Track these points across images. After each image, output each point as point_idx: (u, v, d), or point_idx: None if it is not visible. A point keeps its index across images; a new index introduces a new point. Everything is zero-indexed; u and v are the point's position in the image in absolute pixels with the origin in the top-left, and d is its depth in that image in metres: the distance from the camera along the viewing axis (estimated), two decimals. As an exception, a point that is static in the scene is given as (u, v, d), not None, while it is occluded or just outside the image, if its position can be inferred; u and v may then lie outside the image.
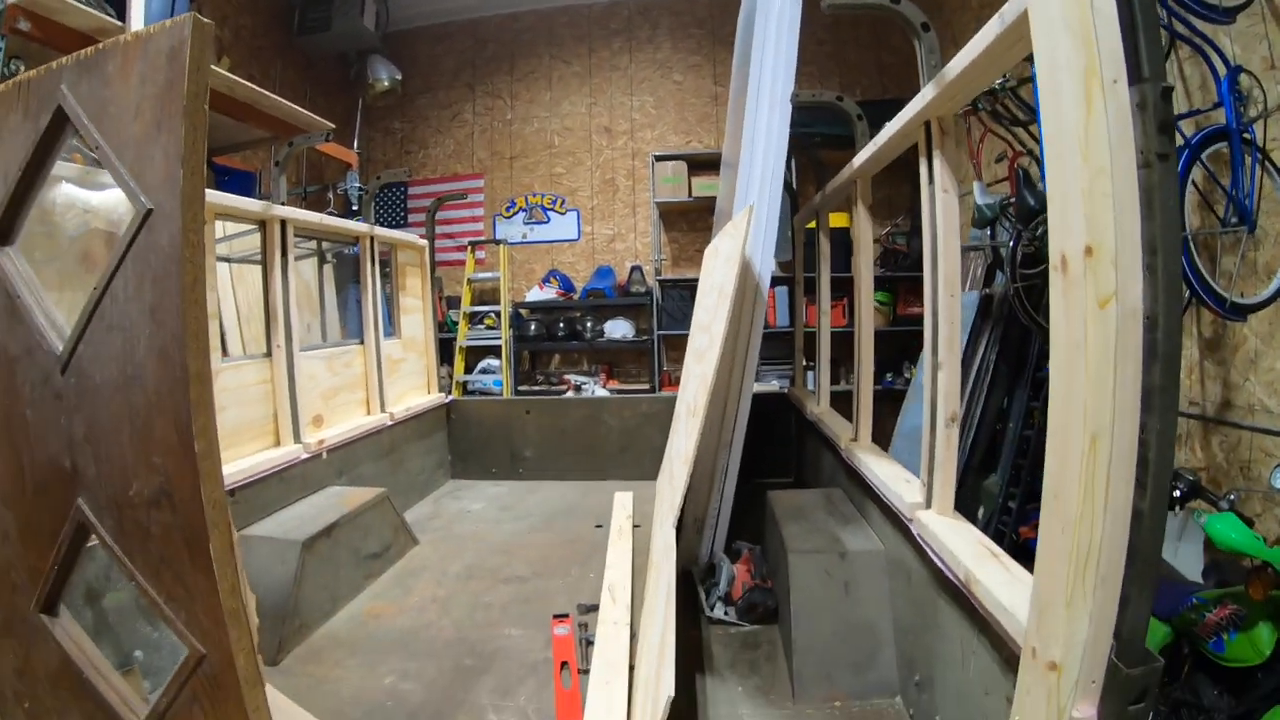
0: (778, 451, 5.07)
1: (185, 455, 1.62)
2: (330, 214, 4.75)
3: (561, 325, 7.75)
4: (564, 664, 2.80)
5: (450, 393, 7.68)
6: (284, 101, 5.19)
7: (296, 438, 3.74)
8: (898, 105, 2.55)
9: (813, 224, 4.42)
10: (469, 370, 7.90)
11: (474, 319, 7.97)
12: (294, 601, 3.03)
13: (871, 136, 3.02)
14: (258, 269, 4.54)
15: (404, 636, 3.12)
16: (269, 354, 3.66)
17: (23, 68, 3.51)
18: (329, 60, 7.85)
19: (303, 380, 3.85)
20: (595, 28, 8.00)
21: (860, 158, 3.13)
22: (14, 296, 1.87)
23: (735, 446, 3.71)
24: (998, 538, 3.48)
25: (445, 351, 7.98)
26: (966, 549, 1.97)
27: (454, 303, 8.13)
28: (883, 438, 4.74)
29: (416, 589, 3.58)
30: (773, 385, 6.45)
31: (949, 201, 2.32)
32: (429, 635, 3.12)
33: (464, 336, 7.83)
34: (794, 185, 5.99)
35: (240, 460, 3.38)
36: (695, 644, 3.03)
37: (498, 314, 7.76)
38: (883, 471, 2.85)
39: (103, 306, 1.71)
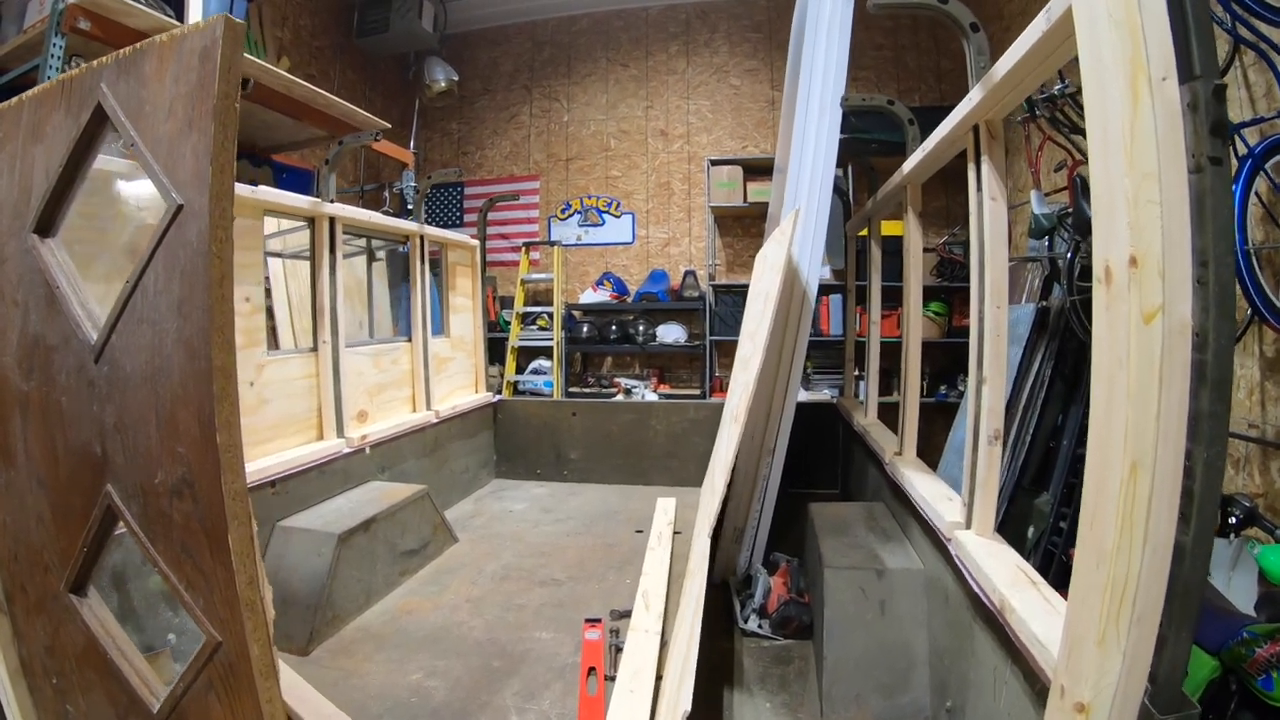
0: (825, 462, 4.98)
1: (208, 447, 1.63)
2: (386, 212, 4.81)
3: (614, 328, 7.73)
4: (591, 669, 2.76)
5: (500, 392, 7.77)
6: (340, 100, 5.28)
7: (340, 432, 3.78)
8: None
9: (865, 231, 4.33)
10: (520, 370, 7.93)
11: (527, 319, 8.01)
12: (328, 593, 3.06)
13: (908, 127, 2.94)
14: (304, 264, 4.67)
15: (435, 634, 3.12)
16: (315, 349, 3.71)
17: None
18: (388, 61, 7.97)
19: (348, 376, 3.89)
20: (652, 31, 7.98)
21: (910, 163, 3.04)
22: (54, 287, 1.91)
23: (778, 455, 3.64)
24: (1047, 559, 3.34)
25: (497, 351, 8.04)
26: (1003, 573, 1.88)
27: (507, 303, 8.17)
28: (934, 451, 4.63)
29: (451, 587, 3.59)
30: (824, 394, 6.33)
31: (997, 210, 2.24)
32: (459, 634, 3.12)
33: (516, 337, 7.87)
34: (848, 191, 5.89)
35: (283, 452, 3.42)
36: (726, 656, 2.97)
37: (550, 315, 7.78)
38: (925, 488, 2.76)
39: (134, 300, 1.73)
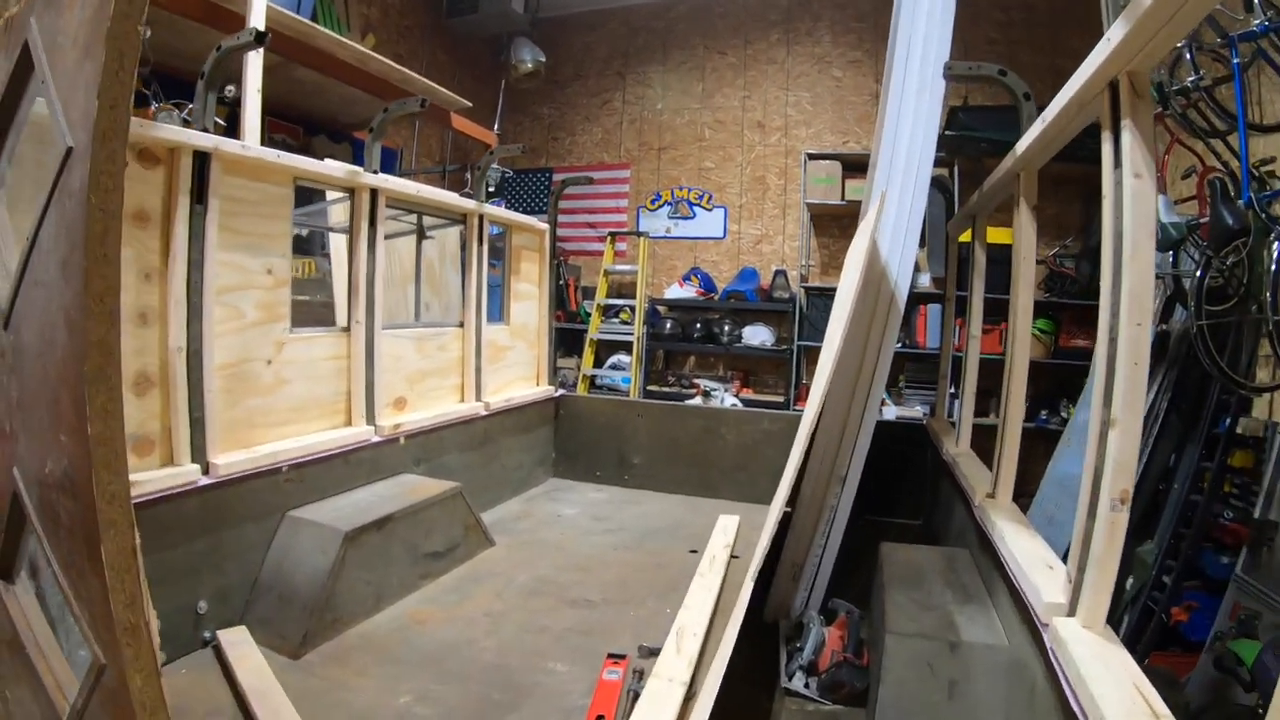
0: (908, 488, 4.47)
1: (82, 437, 1.37)
2: (465, 194, 4.61)
3: (698, 326, 7.37)
4: (599, 718, 2.41)
5: (576, 386, 7.53)
6: (416, 76, 5.11)
7: (370, 419, 3.54)
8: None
9: (967, 235, 3.82)
10: (599, 365, 7.66)
11: (608, 312, 7.73)
12: (329, 594, 2.80)
13: (1022, 103, 2.45)
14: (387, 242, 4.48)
15: (441, 650, 2.82)
16: (347, 328, 3.48)
17: (148, 33, 3.49)
18: (479, 43, 7.83)
19: (385, 360, 3.65)
20: (752, 19, 7.55)
21: (1024, 142, 2.52)
22: None
23: (849, 484, 3.19)
24: (1145, 615, 2.82)
25: (576, 343, 7.81)
26: (1115, 694, 1.40)
27: (589, 293, 7.92)
28: (1029, 481, 4.09)
29: (473, 597, 3.29)
30: (915, 410, 5.82)
31: (1142, 191, 1.71)
32: (467, 654, 2.81)
33: (596, 329, 7.60)
34: (954, 191, 5.35)
35: (302, 437, 3.19)
36: (762, 718, 2.57)
37: (633, 309, 7.48)
38: (1019, 547, 2.24)
39: (32, 258, 1.49)
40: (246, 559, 2.86)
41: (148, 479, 2.45)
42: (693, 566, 3.63)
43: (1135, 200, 1.72)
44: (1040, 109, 2.44)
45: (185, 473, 2.59)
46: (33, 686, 1.77)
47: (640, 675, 2.62)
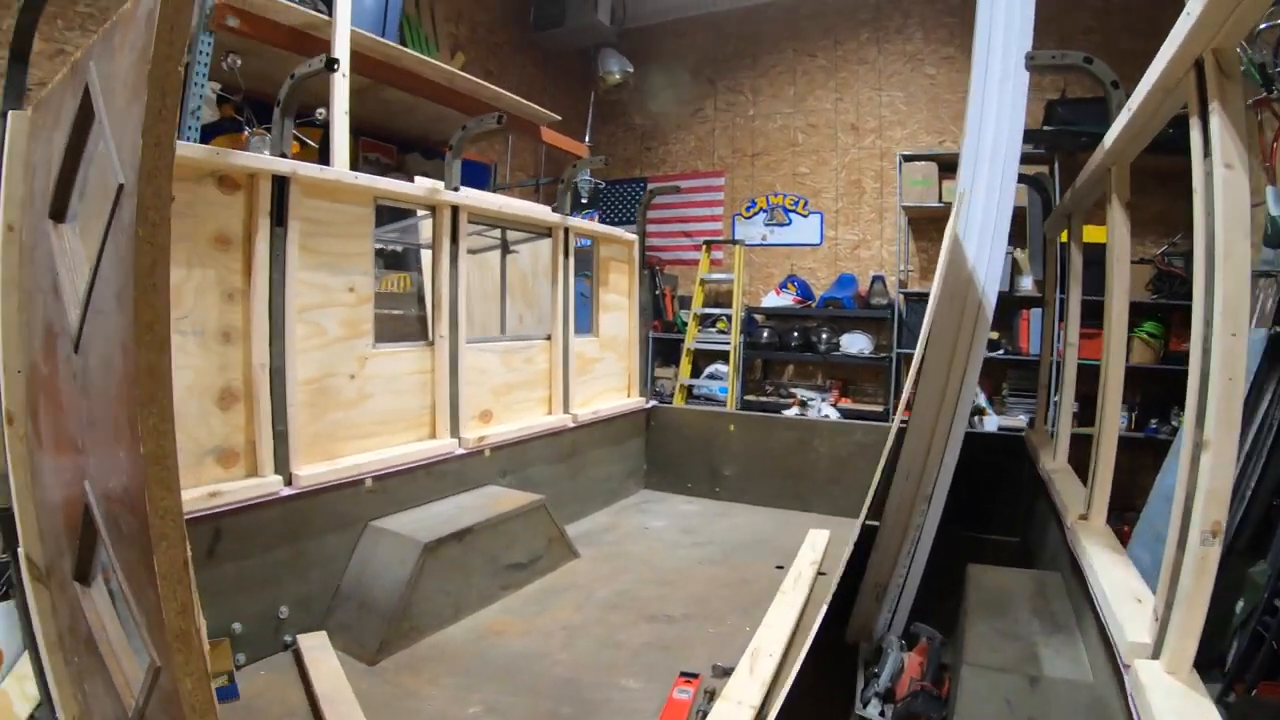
0: (1005, 502, 4.24)
1: (136, 455, 1.45)
2: (556, 207, 4.69)
3: (795, 334, 7.25)
4: (666, 738, 2.37)
5: (673, 396, 7.51)
6: (504, 92, 5.22)
7: (454, 432, 3.62)
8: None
9: (1066, 235, 3.60)
10: (696, 374, 7.63)
11: (705, 321, 7.69)
12: (405, 604, 2.86)
13: (1111, 91, 2.28)
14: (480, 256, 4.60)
15: (514, 662, 2.84)
16: (430, 343, 3.57)
17: (239, 62, 3.71)
18: (569, 56, 7.94)
19: (470, 374, 3.73)
20: (841, 19, 7.39)
21: (1112, 134, 2.34)
22: (56, 273, 1.83)
23: (935, 503, 3.06)
24: (1255, 642, 2.58)
25: (674, 353, 7.80)
26: None
27: (686, 303, 7.89)
28: (1140, 493, 3.82)
29: (552, 609, 3.31)
30: (1020, 419, 5.55)
31: (1235, 183, 1.55)
32: (540, 667, 2.81)
33: (693, 339, 7.57)
34: (1053, 190, 5.08)
35: (385, 449, 3.28)
36: (836, 745, 2.48)
37: (730, 317, 7.42)
38: (1109, 577, 2.06)
39: (95, 287, 1.58)
40: (329, 567, 2.95)
41: (231, 489, 2.56)
42: (778, 583, 3.54)
43: (1227, 193, 1.56)
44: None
45: (268, 483, 2.70)
46: (105, 683, 1.88)
47: (711, 696, 2.55)
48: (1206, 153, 1.60)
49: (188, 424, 2.52)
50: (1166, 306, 5.64)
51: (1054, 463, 3.42)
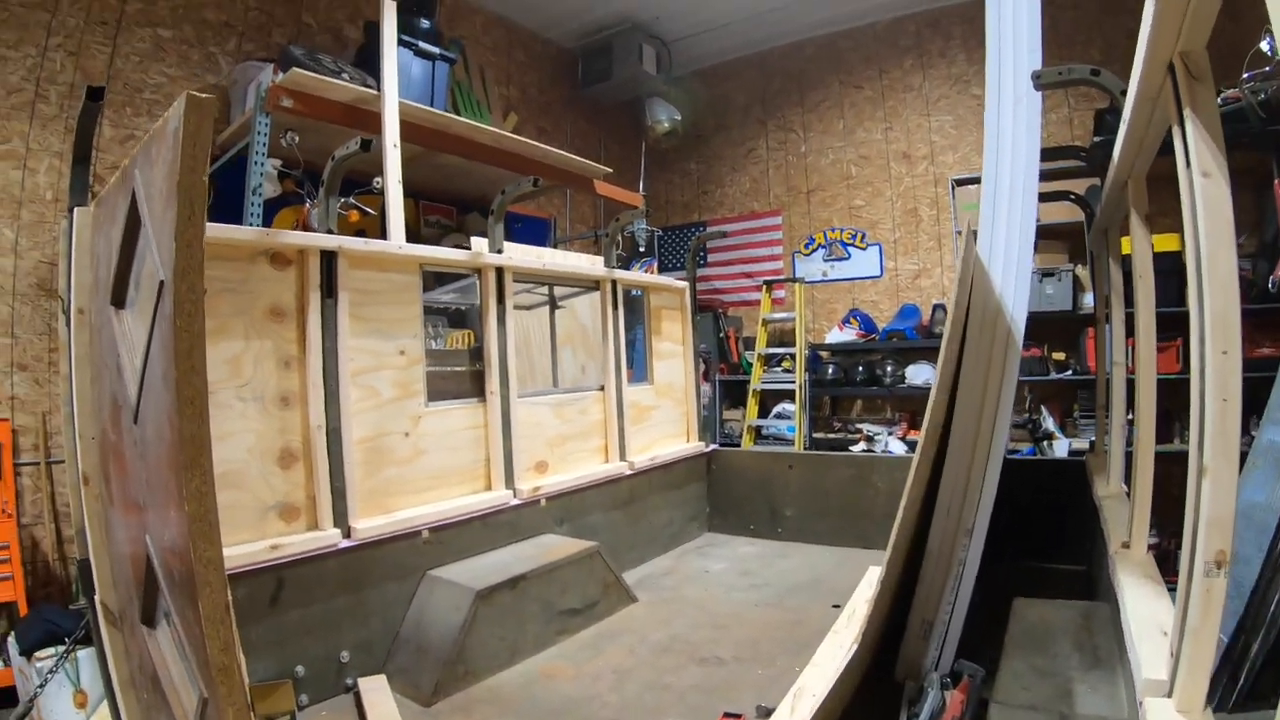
0: (1073, 528, 4.14)
1: (182, 514, 1.63)
2: (620, 256, 4.86)
3: (861, 369, 7.21)
4: (703, 778, 2.42)
5: (741, 438, 7.54)
6: (553, 150, 5.44)
7: (508, 483, 3.77)
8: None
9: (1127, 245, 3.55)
10: (764, 414, 7.64)
11: (770, 361, 7.72)
12: (459, 649, 2.99)
13: (1120, 100, 2.27)
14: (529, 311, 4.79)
15: (564, 705, 2.93)
16: (482, 399, 3.75)
17: (296, 139, 4.00)
18: (619, 108, 8.16)
19: (523, 427, 3.88)
20: (882, 47, 7.42)
21: (1119, 147, 2.34)
22: (118, 353, 2.06)
23: (977, 537, 3.03)
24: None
25: (739, 395, 7.84)
26: None
27: (750, 344, 7.95)
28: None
29: (605, 653, 3.39)
30: (1088, 443, 5.42)
31: (1214, 192, 1.53)
32: (588, 710, 2.89)
33: (758, 379, 7.60)
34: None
35: (441, 502, 3.45)
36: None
37: (794, 356, 7.43)
38: (1138, 611, 2.03)
39: (149, 368, 1.79)
40: (389, 614, 3.12)
41: (293, 542, 2.76)
42: (832, 622, 3.55)
43: (1207, 204, 1.54)
44: None
45: (327, 537, 2.89)
46: (169, 717, 2.07)
47: (753, 735, 2.61)
48: (1187, 161, 1.58)
49: (250, 482, 2.73)
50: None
51: (1107, 488, 3.36)
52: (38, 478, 4.18)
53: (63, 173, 4.35)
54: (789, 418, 7.41)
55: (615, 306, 4.61)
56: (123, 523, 2.28)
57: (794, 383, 7.33)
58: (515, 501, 3.76)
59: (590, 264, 4.56)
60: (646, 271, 7.01)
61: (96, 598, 2.51)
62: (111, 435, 2.28)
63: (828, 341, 7.45)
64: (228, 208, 3.79)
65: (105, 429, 2.39)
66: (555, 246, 6.67)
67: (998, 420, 2.96)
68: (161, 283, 1.67)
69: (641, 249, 7.14)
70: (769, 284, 7.71)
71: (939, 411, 2.81)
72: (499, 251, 3.78)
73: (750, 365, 7.74)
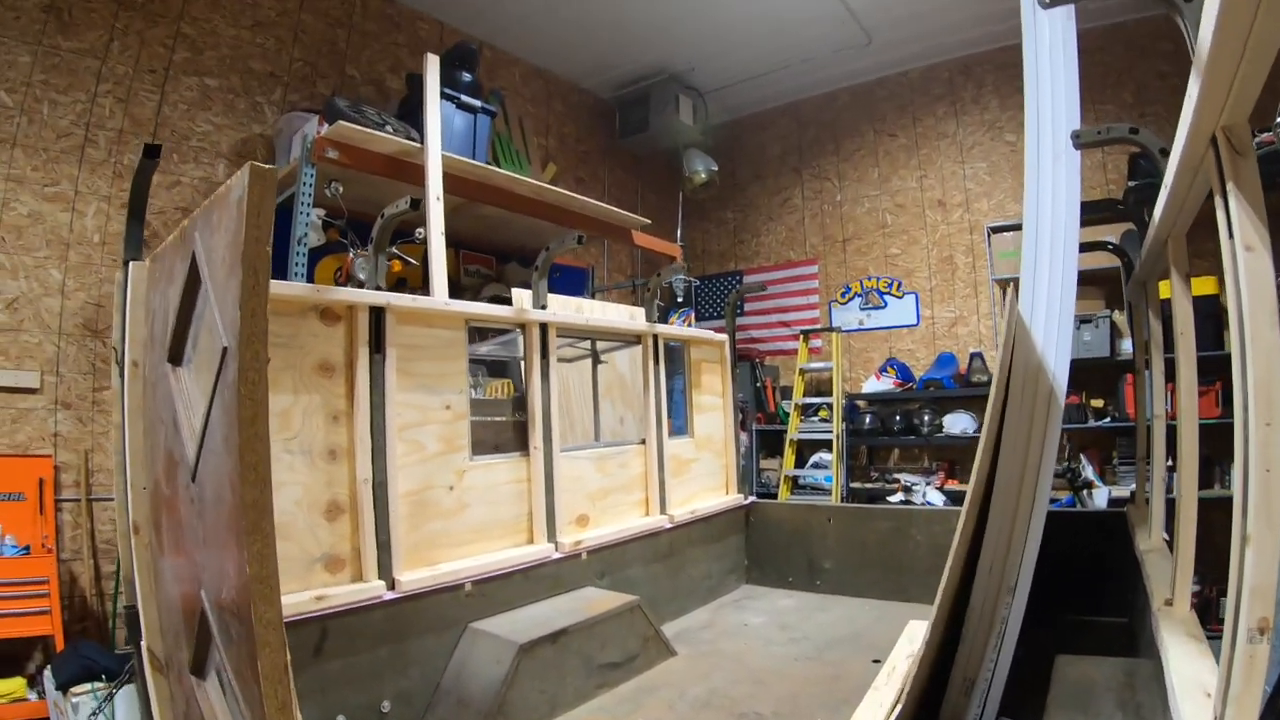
0: (1115, 580, 4.07)
1: (243, 575, 1.68)
2: (659, 305, 4.93)
3: (898, 418, 7.16)
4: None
5: (778, 487, 7.51)
6: (592, 201, 5.54)
7: (550, 537, 3.79)
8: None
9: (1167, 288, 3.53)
10: (800, 464, 7.61)
11: (807, 411, 7.70)
12: (500, 702, 2.99)
13: (1159, 159, 2.30)
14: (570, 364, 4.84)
15: (605, 763, 2.94)
16: (526, 453, 3.79)
17: (340, 189, 4.09)
18: (656, 158, 8.31)
19: (565, 480, 3.90)
20: (916, 95, 7.52)
21: (1159, 208, 2.39)
22: (175, 410, 2.13)
23: (1019, 594, 3.00)
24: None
25: (778, 444, 7.82)
26: None
27: (787, 393, 7.94)
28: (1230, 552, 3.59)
29: (644, 708, 3.37)
30: (1130, 489, 5.35)
31: (1257, 266, 1.56)
32: (629, 768, 2.90)
33: (795, 429, 7.58)
34: (1137, 248, 4.97)
35: (484, 555, 3.47)
36: None
37: (831, 406, 7.42)
38: (1182, 672, 2.01)
39: (208, 431, 1.85)
40: (430, 665, 3.13)
41: (337, 593, 2.79)
42: (872, 678, 3.51)
43: (1250, 277, 1.57)
44: None
45: (372, 588, 2.91)
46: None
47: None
48: (1230, 232, 1.61)
49: (297, 534, 2.78)
50: None
51: (1148, 541, 3.31)
52: (78, 514, 4.30)
53: (110, 216, 4.54)
54: (826, 467, 7.37)
55: (656, 361, 4.65)
56: (174, 574, 2.34)
57: (831, 432, 7.31)
58: (557, 555, 3.78)
59: (631, 318, 4.60)
60: (684, 322, 7.06)
61: (143, 644, 2.56)
62: (165, 488, 2.34)
63: (865, 391, 7.43)
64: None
65: (158, 481, 2.45)
66: (593, 295, 6.77)
67: (1040, 478, 2.95)
68: (225, 349, 1.73)
69: (679, 299, 7.21)
70: (806, 333, 7.73)
71: (983, 469, 2.80)
72: (543, 307, 3.85)
73: (787, 415, 7.73)
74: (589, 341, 4.77)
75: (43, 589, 3.89)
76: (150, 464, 2.57)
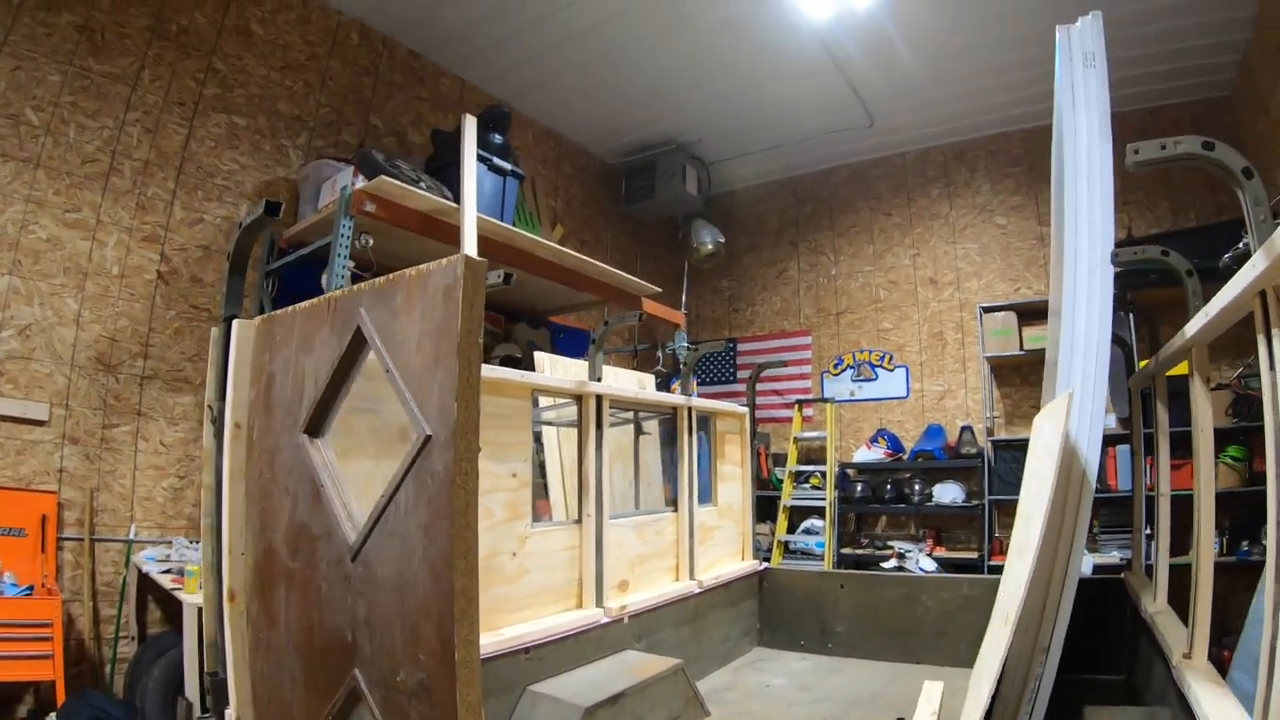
0: (1110, 639, 4.34)
1: (445, 660, 1.77)
2: (659, 373, 5.12)
3: (889, 487, 7.45)
4: None
5: (770, 551, 7.69)
6: (608, 268, 5.75)
7: (598, 602, 3.92)
8: (1236, 228, 2.16)
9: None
10: (791, 530, 7.82)
11: (799, 478, 7.93)
12: (567, 762, 3.13)
13: (1212, 264, 2.61)
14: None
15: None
16: (579, 521, 3.93)
17: (371, 242, 4.01)
18: (656, 224, 8.59)
19: (610, 547, 4.04)
20: (911, 176, 7.96)
21: (1193, 326, 2.68)
22: (319, 485, 2.22)
23: (1052, 654, 3.24)
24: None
25: (769, 510, 8.01)
26: None
27: (779, 459, 8.17)
28: (1234, 617, 3.88)
29: (696, 771, 3.52)
30: (1113, 556, 5.65)
31: None
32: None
33: (788, 496, 7.80)
34: (1131, 339, 5.35)
35: (540, 620, 3.59)
36: None
37: (823, 474, 7.66)
38: (1214, 714, 2.26)
39: (386, 514, 1.95)
40: (492, 727, 3.23)
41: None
42: (901, 738, 3.70)
43: None
44: (1204, 231, 2.57)
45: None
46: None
47: None
48: (1271, 365, 1.94)
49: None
50: (1247, 429, 5.68)
51: (1155, 605, 3.60)
52: (79, 554, 4.19)
53: (130, 249, 4.49)
54: (817, 533, 7.59)
55: (690, 432, 4.84)
56: (292, 647, 2.35)
57: (823, 499, 7.54)
58: (605, 620, 3.90)
59: (669, 395, 4.82)
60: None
61: (230, 713, 2.58)
62: (289, 561, 2.36)
63: (856, 460, 7.70)
64: (289, 303, 3.76)
65: (273, 550, 2.46)
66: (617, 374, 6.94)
67: (1073, 548, 3.21)
68: (429, 437, 1.85)
69: (682, 366, 7.41)
70: (801, 403, 7.99)
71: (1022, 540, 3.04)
72: (598, 379, 4.03)
73: (779, 481, 7.94)
74: (633, 414, 4.95)
75: (45, 632, 3.72)
76: (260, 531, 2.57)
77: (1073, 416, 3.02)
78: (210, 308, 4.79)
